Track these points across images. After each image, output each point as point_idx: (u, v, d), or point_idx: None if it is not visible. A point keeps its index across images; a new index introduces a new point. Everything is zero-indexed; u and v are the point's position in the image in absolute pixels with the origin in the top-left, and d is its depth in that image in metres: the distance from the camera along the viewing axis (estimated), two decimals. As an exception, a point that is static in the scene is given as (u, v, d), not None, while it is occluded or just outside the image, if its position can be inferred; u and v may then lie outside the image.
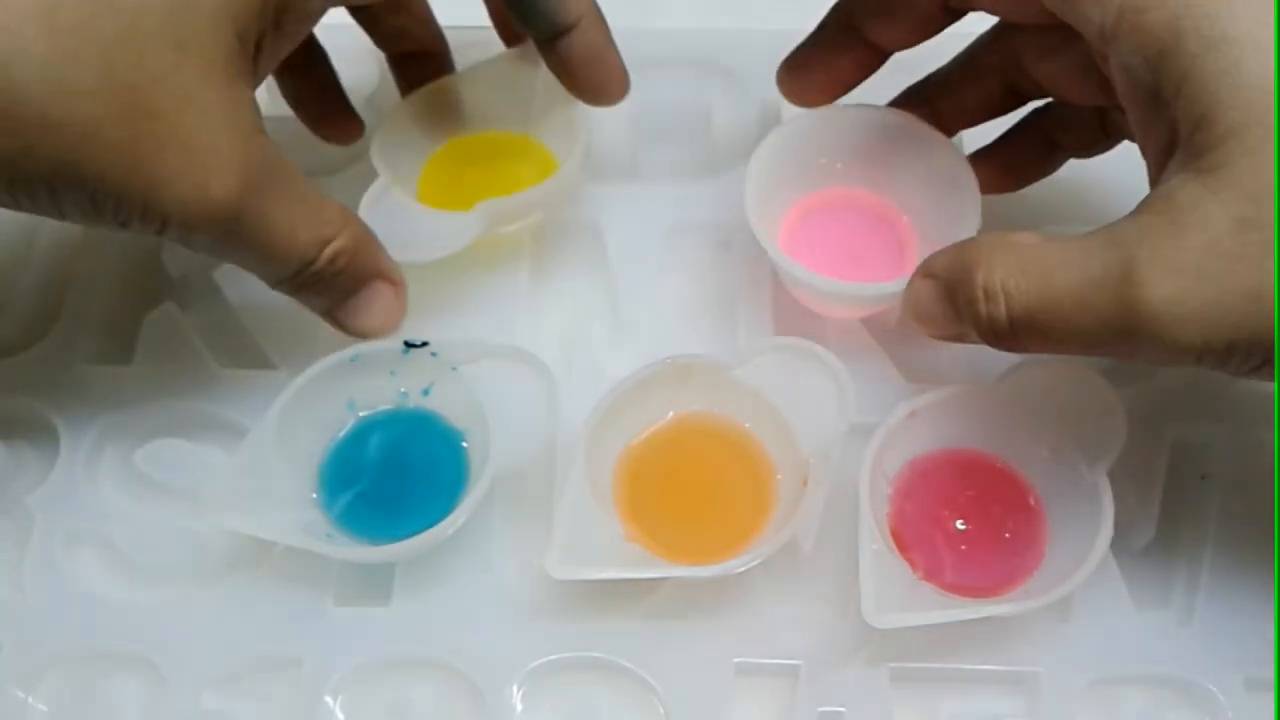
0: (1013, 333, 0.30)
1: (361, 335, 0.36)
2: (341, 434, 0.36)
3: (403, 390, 0.37)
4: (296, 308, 0.37)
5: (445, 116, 0.41)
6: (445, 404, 0.37)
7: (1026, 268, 0.30)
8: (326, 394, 0.36)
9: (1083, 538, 0.33)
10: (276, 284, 0.35)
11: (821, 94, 0.39)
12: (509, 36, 0.41)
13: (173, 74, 0.30)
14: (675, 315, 0.40)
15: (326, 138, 0.41)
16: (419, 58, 0.41)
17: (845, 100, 0.39)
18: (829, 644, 0.34)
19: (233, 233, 0.32)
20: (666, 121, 0.44)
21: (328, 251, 0.34)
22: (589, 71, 0.37)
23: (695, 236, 0.42)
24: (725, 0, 0.48)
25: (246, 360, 0.39)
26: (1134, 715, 0.34)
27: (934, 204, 0.38)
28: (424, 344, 0.36)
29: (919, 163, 0.39)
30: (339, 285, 0.35)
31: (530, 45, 0.39)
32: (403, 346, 0.36)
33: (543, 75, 0.39)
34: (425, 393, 0.37)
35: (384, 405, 0.37)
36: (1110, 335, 0.28)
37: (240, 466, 0.35)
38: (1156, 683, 0.34)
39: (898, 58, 0.38)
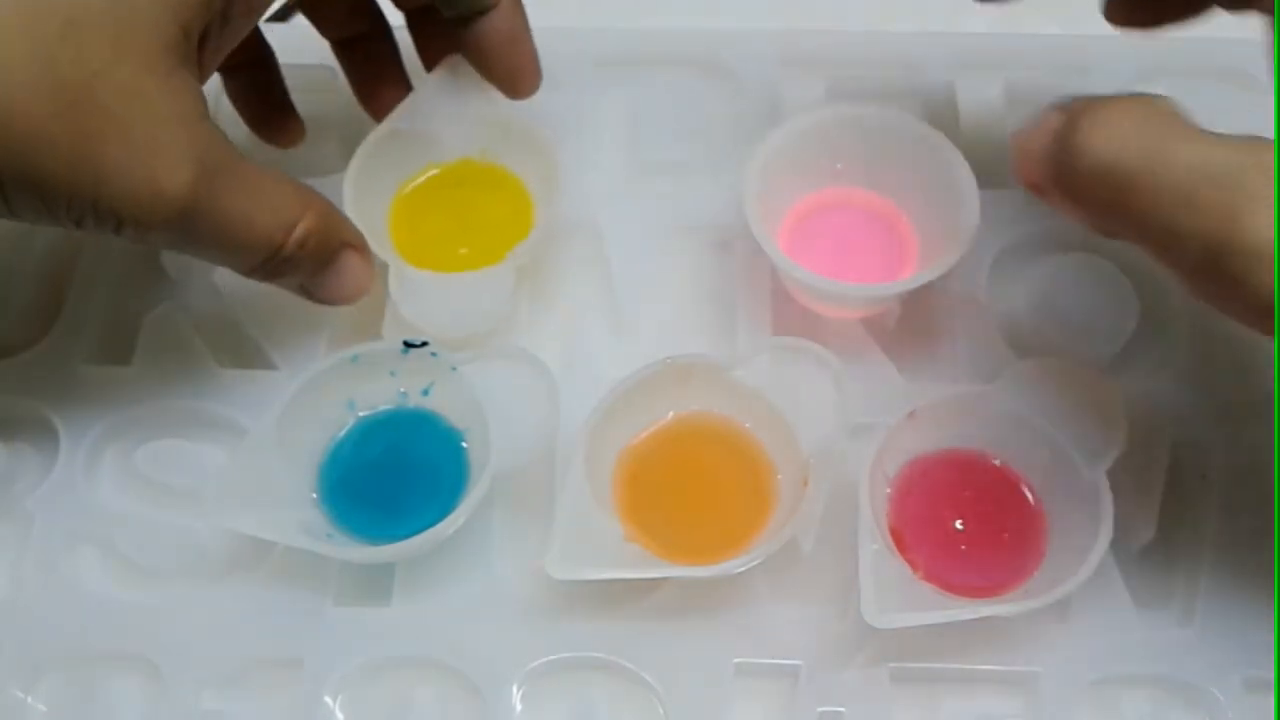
0: (1096, 182, 0.28)
1: (335, 304, 0.36)
2: (341, 434, 0.36)
3: (403, 390, 0.37)
4: (297, 308, 0.37)
5: (394, 162, 0.40)
6: (445, 404, 0.37)
7: (1149, 127, 0.28)
8: (326, 394, 0.36)
9: (1083, 538, 0.33)
10: (248, 272, 0.34)
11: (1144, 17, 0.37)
12: (430, 59, 0.40)
13: (113, 67, 0.29)
14: (675, 315, 0.40)
15: (266, 139, 0.41)
16: (361, 42, 0.40)
17: (845, 101, 0.40)
18: (829, 644, 0.34)
19: (190, 226, 0.32)
20: (666, 121, 0.44)
21: (296, 234, 0.34)
22: (504, 55, 0.38)
23: (695, 236, 0.42)
24: (725, 0, 0.48)
25: (246, 360, 0.39)
26: (1134, 715, 0.34)
27: (934, 204, 0.38)
28: (424, 344, 0.36)
29: (919, 163, 0.39)
30: (310, 264, 0.35)
31: (445, 67, 0.39)
32: (402, 346, 0.36)
33: (472, 94, 0.39)
34: (425, 393, 0.37)
35: (384, 405, 0.37)
36: (1194, 245, 0.27)
37: (240, 466, 0.35)
38: (1156, 683, 0.34)
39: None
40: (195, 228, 0.32)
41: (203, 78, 0.33)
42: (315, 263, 0.35)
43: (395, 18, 0.41)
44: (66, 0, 0.29)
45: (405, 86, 0.41)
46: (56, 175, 0.29)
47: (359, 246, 0.36)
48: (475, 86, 0.39)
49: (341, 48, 0.41)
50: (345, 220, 0.36)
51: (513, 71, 0.38)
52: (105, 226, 0.31)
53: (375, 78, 0.41)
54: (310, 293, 0.36)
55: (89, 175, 0.30)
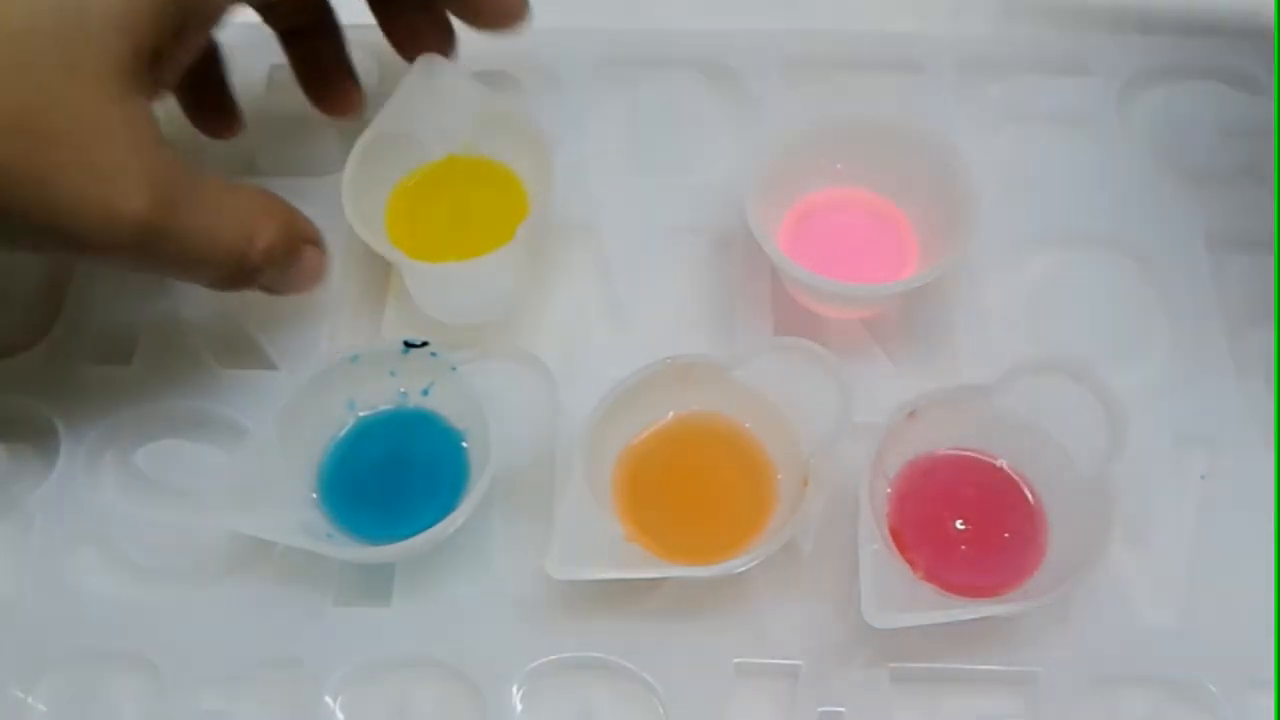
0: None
1: (292, 294, 0.37)
2: (341, 434, 0.36)
3: (403, 390, 0.37)
4: (297, 308, 0.37)
5: (386, 165, 0.40)
6: (445, 404, 0.37)
7: None
8: (326, 394, 0.36)
9: (1083, 538, 0.33)
10: (213, 286, 0.35)
11: None
12: (398, 38, 0.40)
13: (64, 95, 0.29)
14: (675, 315, 0.40)
15: (206, 131, 0.40)
16: (309, 35, 0.40)
17: (846, 102, 0.40)
18: (829, 644, 0.34)
19: (151, 248, 0.31)
20: (666, 121, 0.44)
21: (260, 246, 0.34)
22: (494, 9, 0.38)
23: (695, 236, 0.42)
24: (725, 0, 0.48)
25: (246, 360, 0.39)
26: (1134, 715, 0.34)
27: (934, 204, 0.38)
28: (424, 344, 0.36)
29: (919, 163, 0.39)
30: (274, 269, 0.35)
31: (422, 64, 0.39)
32: (402, 346, 0.36)
33: (452, 91, 0.39)
34: (425, 393, 0.37)
35: (384, 405, 0.37)
36: None
37: (240, 466, 0.35)
38: (1156, 683, 0.34)
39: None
40: (156, 250, 0.32)
41: (158, 95, 0.33)
42: (280, 266, 0.35)
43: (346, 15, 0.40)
44: (19, 30, 0.29)
45: (351, 79, 0.41)
46: (14, 208, 0.29)
47: (315, 240, 0.37)
48: (454, 83, 0.39)
49: (288, 39, 0.41)
50: (303, 218, 0.36)
51: (502, 13, 0.38)
52: (65, 251, 0.31)
53: (321, 71, 0.41)
54: (271, 290, 0.36)
55: (43, 202, 0.30)
